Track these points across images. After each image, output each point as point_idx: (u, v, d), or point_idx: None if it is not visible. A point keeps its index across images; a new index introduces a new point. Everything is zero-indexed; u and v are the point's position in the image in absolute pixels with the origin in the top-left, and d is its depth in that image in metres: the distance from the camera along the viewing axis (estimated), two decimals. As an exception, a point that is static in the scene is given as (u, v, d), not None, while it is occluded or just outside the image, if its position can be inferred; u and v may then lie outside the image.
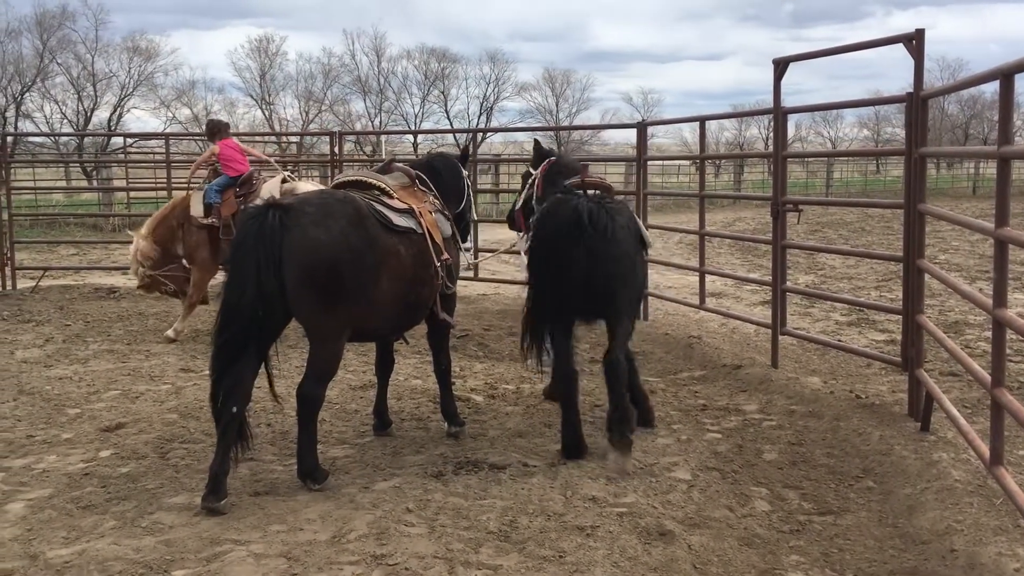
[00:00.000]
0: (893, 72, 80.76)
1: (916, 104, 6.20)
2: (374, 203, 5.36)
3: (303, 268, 4.85)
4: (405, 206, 5.60)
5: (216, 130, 9.90)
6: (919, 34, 6.13)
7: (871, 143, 53.62)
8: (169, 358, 8.47)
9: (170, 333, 9.33)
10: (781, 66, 7.50)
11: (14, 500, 5.01)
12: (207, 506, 4.75)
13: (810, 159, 40.66)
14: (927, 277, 6.44)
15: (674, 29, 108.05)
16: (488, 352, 8.58)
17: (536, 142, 7.31)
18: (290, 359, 7.38)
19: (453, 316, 6.16)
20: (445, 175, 6.38)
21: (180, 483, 5.21)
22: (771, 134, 33.70)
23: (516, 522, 4.62)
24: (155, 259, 9.51)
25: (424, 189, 6.06)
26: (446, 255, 5.82)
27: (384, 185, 5.70)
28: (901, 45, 6.27)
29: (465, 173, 6.66)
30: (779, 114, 7.71)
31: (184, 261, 9.55)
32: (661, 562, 4.25)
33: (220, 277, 9.96)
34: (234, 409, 4.85)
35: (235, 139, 10.03)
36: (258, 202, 9.11)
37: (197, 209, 9.43)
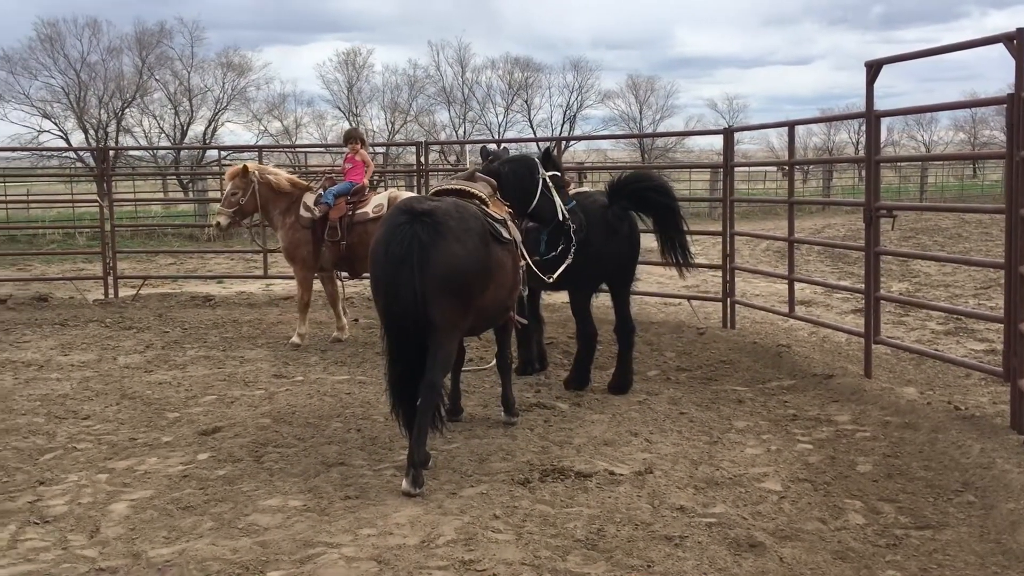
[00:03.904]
0: (990, 73, 78.43)
1: (1018, 105, 5.98)
2: (488, 218, 5.81)
3: (444, 277, 5.33)
4: (500, 217, 6.02)
5: (359, 138, 10.16)
6: (1020, 33, 5.91)
7: (967, 146, 51.84)
8: (262, 364, 8.69)
9: (295, 339, 9.55)
10: (874, 69, 7.32)
11: (117, 500, 5.21)
12: (408, 492, 5.11)
13: (902, 163, 39.49)
14: (1030, 284, 6.19)
15: (760, 34, 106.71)
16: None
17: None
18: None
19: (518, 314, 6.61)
20: (512, 179, 6.62)
21: (274, 486, 5.34)
22: (862, 138, 32.77)
23: (603, 530, 4.61)
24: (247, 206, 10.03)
25: (501, 199, 6.41)
26: (523, 260, 6.31)
27: (483, 195, 6.09)
28: (1000, 45, 6.07)
29: (541, 174, 6.73)
30: (872, 117, 7.52)
31: (284, 256, 10.03)
32: (752, 574, 4.19)
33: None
34: (419, 402, 5.36)
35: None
36: (373, 207, 9.39)
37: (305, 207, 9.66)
